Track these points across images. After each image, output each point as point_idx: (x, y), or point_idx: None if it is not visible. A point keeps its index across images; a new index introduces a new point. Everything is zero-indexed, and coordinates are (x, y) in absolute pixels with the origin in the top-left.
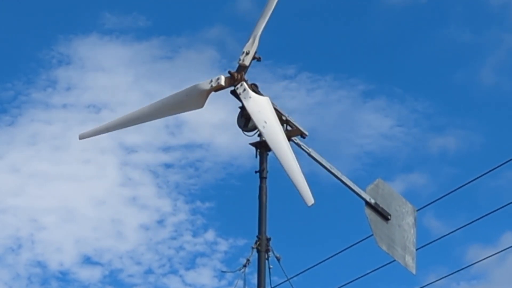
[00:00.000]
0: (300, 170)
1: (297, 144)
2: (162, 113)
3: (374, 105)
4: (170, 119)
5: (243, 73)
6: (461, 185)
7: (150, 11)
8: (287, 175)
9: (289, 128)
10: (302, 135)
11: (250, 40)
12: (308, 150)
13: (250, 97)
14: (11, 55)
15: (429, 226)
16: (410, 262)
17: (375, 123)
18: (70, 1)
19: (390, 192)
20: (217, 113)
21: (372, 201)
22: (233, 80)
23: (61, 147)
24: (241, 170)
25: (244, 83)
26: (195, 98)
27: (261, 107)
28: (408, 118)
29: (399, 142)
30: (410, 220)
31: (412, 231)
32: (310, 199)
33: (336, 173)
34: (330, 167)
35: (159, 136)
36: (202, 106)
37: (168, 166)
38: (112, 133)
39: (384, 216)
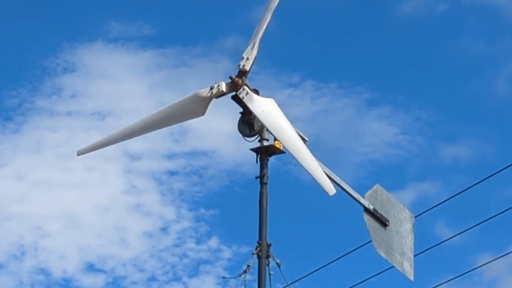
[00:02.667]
0: (316, 163)
1: None
2: (163, 123)
3: (378, 113)
4: (175, 126)
5: (244, 78)
6: (461, 191)
7: (156, 19)
8: (305, 170)
9: None
10: (302, 141)
11: (250, 46)
12: None
13: (254, 101)
14: (16, 62)
15: (441, 234)
16: (408, 268)
17: (379, 131)
18: (75, 9)
19: (389, 198)
20: (222, 120)
21: (371, 207)
22: (234, 86)
23: (66, 155)
24: (245, 178)
25: (246, 88)
26: (196, 106)
27: (267, 108)
28: (412, 126)
29: (403, 150)
30: (408, 226)
31: (410, 237)
32: (331, 188)
33: (335, 179)
34: (330, 173)
35: (163, 143)
36: (203, 113)
37: (172, 173)
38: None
39: (383, 222)
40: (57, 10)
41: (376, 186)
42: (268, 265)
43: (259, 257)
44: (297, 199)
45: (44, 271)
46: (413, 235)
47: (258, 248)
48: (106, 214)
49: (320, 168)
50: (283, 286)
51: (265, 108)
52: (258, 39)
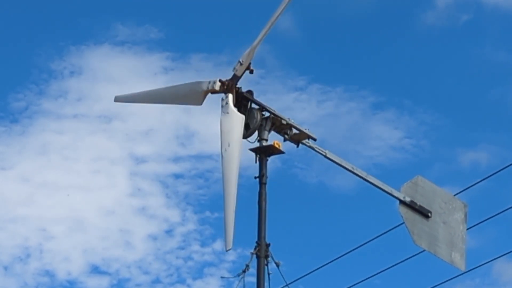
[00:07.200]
0: (234, 209)
1: (310, 147)
2: (165, 99)
3: (384, 117)
4: (180, 129)
5: (234, 82)
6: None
7: (163, 23)
8: (224, 208)
9: (295, 131)
10: (312, 139)
11: (247, 51)
12: (324, 152)
13: (227, 113)
14: (23, 65)
15: None
16: (457, 259)
17: (384, 135)
18: (82, 12)
19: (433, 189)
20: None
21: (407, 199)
22: (224, 87)
23: (72, 157)
24: (250, 181)
25: (230, 95)
26: (195, 94)
27: (232, 127)
28: (417, 130)
29: (408, 154)
30: (459, 216)
31: (461, 227)
32: (229, 243)
33: (361, 174)
34: (353, 168)
35: (169, 146)
36: (200, 104)
37: (177, 176)
38: (122, 143)
39: (423, 213)
40: (64, 14)
41: (417, 178)
42: (267, 265)
43: (258, 257)
44: (298, 199)
45: (48, 273)
46: (464, 225)
47: (257, 248)
48: (111, 217)
49: (233, 216)
50: (282, 286)
51: (231, 126)
52: (255, 46)
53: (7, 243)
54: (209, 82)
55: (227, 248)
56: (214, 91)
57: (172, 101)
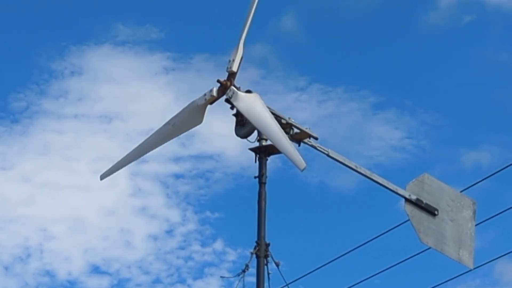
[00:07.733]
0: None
1: (312, 146)
2: (167, 137)
3: (384, 117)
4: None
5: (232, 79)
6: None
7: (163, 23)
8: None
9: (296, 131)
10: (313, 138)
11: (235, 49)
12: (327, 151)
13: (239, 99)
14: (24, 65)
15: None
16: (465, 256)
17: (385, 135)
18: (83, 12)
19: (440, 186)
20: (228, 123)
21: (413, 197)
22: (224, 88)
23: (72, 157)
24: (251, 181)
25: (233, 88)
26: (194, 115)
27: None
28: (417, 130)
29: (409, 154)
30: (467, 213)
31: (469, 225)
32: (301, 163)
33: (364, 173)
34: (356, 166)
35: (169, 147)
36: (201, 121)
37: (178, 176)
38: (123, 143)
39: (430, 211)
40: (65, 14)
41: (423, 175)
42: (266, 264)
43: (257, 256)
44: (298, 199)
45: (49, 273)
46: (473, 223)
47: (257, 248)
48: (112, 217)
49: (291, 144)
50: (282, 286)
51: (249, 104)
52: (242, 41)
53: (7, 243)
54: (205, 95)
55: (303, 167)
56: (213, 100)
57: (174, 135)
